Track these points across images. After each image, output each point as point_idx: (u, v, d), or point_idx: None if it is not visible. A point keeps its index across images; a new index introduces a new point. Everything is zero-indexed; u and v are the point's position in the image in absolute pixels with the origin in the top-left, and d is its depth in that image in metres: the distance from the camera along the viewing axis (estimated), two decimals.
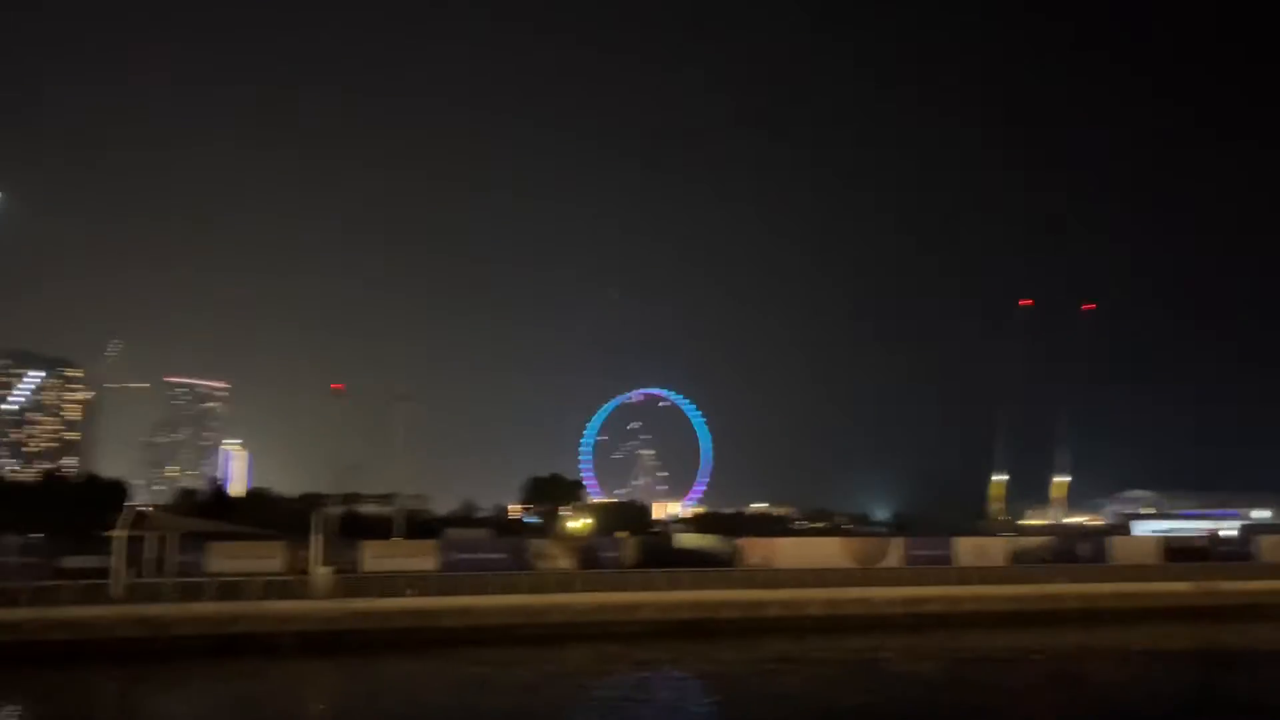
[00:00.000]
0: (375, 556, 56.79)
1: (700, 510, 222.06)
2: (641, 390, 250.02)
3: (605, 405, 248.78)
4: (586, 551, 61.37)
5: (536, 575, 53.21)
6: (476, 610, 47.05)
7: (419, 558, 56.28)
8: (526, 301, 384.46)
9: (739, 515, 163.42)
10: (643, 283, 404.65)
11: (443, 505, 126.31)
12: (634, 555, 66.82)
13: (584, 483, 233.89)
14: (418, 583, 49.72)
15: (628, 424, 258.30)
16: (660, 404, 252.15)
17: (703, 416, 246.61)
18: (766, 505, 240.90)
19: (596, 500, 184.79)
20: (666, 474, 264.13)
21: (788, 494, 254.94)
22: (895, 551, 66.48)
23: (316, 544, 53.95)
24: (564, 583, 51.53)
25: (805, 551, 66.35)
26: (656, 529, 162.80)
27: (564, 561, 58.83)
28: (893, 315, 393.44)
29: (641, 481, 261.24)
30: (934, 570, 60.39)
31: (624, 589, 51.37)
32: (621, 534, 70.38)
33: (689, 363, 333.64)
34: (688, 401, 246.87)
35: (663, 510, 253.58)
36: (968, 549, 68.28)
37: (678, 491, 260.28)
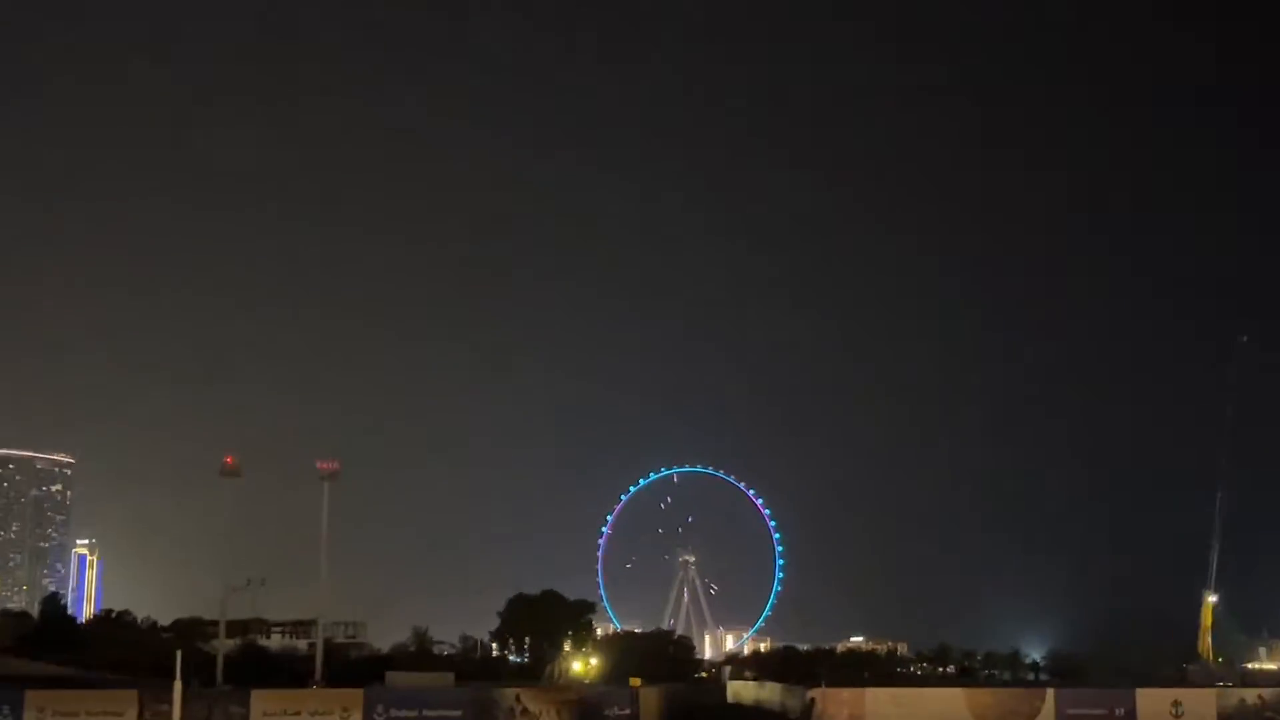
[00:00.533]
0: (271, 715, 54.76)
1: (767, 645, 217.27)
2: (683, 469, 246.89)
3: (630, 488, 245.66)
4: (585, 709, 59.22)
5: None
6: None
7: (334, 716, 54.15)
8: (514, 325, 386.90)
9: (823, 654, 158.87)
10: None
11: (386, 636, 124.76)
12: (656, 713, 64.49)
13: (601, 603, 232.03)
14: None
15: (665, 519, 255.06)
16: (709, 487, 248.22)
17: (770, 513, 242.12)
18: (863, 640, 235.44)
19: (617, 630, 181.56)
20: (718, 592, 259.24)
21: (896, 624, 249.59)
22: (1047, 709, 64.99)
23: (179, 696, 52.06)
24: None
25: (911, 708, 64.64)
26: (703, 672, 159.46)
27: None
28: (1044, 357, 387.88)
29: (684, 602, 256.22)
30: None
31: None
32: (635, 681, 67.87)
33: (752, 435, 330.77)
34: (751, 490, 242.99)
35: (714, 645, 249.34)
36: (1157, 706, 66.50)
37: (735, 618, 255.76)
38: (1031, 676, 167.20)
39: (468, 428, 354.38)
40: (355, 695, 59.60)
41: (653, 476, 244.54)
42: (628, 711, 61.69)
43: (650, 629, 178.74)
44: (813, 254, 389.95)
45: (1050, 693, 68.58)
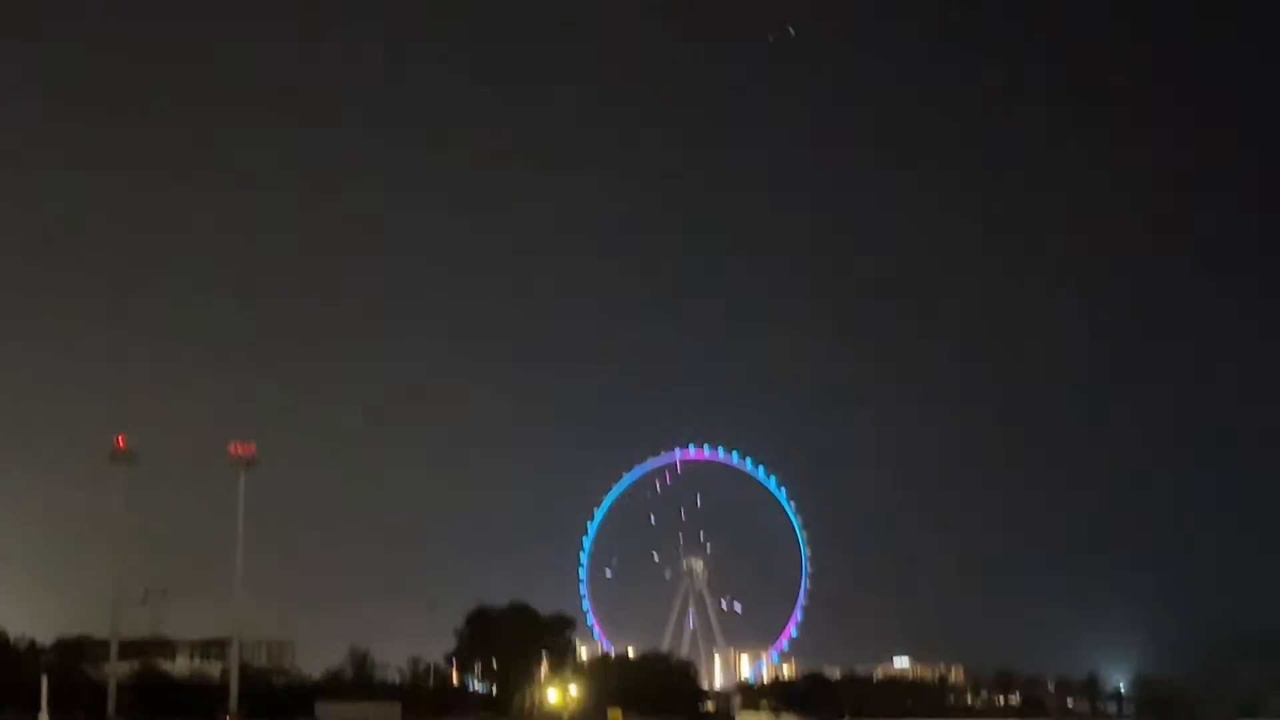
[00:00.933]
0: None
1: (791, 670, 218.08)
2: (687, 452, 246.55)
3: (623, 478, 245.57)
4: None
5: None
6: None
7: None
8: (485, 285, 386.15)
9: (858, 681, 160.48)
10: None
11: (320, 659, 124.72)
12: None
13: (585, 620, 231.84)
14: None
15: (665, 517, 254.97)
16: (721, 477, 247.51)
17: (795, 508, 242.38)
18: (908, 662, 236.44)
19: (606, 653, 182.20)
20: (732, 606, 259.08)
21: (949, 643, 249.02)
22: None
23: None
24: None
25: None
26: (709, 703, 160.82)
27: None
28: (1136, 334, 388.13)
29: (689, 618, 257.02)
30: None
31: None
32: (616, 715, 68.79)
33: (773, 415, 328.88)
34: (772, 479, 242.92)
35: (727, 670, 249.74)
36: None
37: (753, 638, 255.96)
38: (1114, 709, 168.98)
39: (422, 408, 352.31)
40: None
41: (649, 465, 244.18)
42: None
43: (648, 651, 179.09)
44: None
45: None
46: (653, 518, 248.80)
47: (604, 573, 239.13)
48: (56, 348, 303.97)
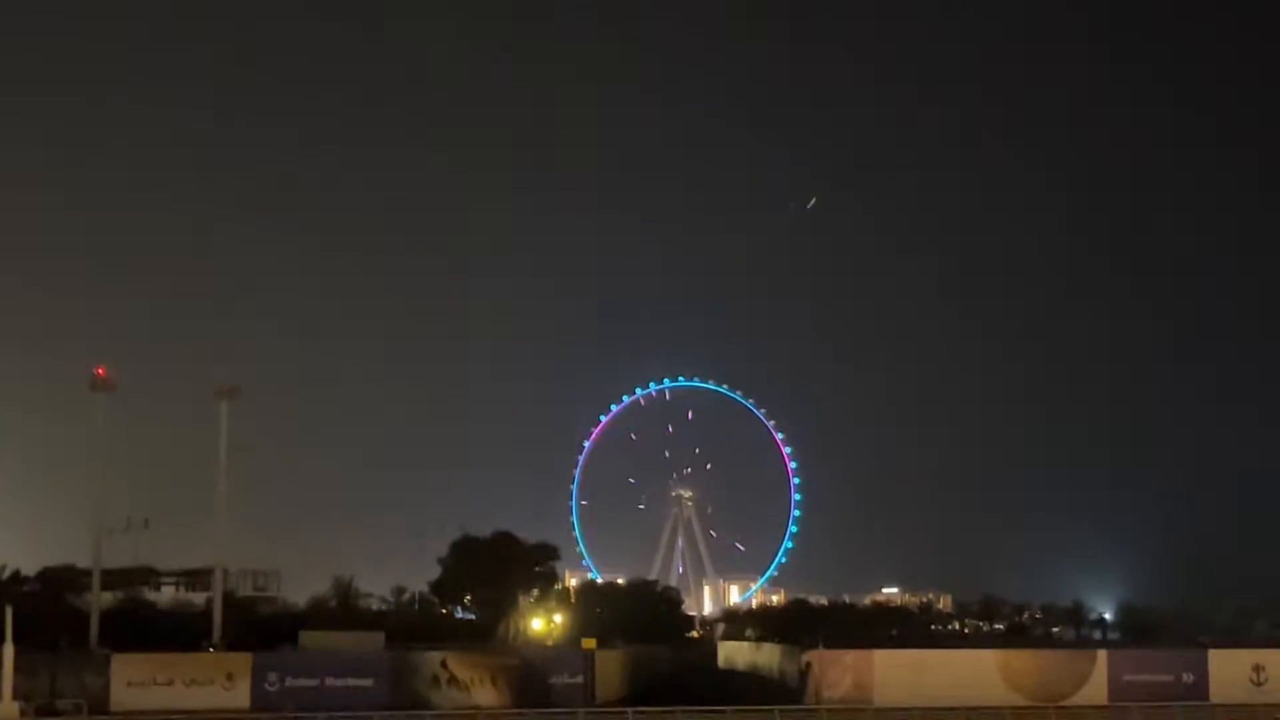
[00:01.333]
0: (136, 684, 55.95)
1: (781, 599, 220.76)
2: (677, 383, 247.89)
3: (613, 409, 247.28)
4: (527, 677, 60.43)
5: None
6: None
7: (216, 685, 55.36)
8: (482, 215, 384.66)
9: (842, 608, 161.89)
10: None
11: (308, 588, 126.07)
12: (618, 681, 65.73)
13: (577, 548, 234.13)
14: None
15: (656, 446, 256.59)
16: (711, 406, 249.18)
17: (784, 438, 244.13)
18: (897, 592, 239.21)
19: (591, 580, 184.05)
20: (721, 536, 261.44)
21: (940, 574, 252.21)
22: (1097, 676, 66.38)
23: (10, 663, 53.14)
24: None
25: (932, 675, 65.90)
26: (695, 631, 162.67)
27: (483, 694, 57.88)
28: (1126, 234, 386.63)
29: (679, 548, 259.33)
30: (1161, 712, 58.62)
31: None
32: (590, 643, 69.54)
33: (765, 350, 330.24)
34: (761, 411, 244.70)
35: (717, 599, 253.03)
36: (1233, 671, 67.54)
37: (743, 567, 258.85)
38: (1098, 635, 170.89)
39: (417, 333, 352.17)
40: (242, 660, 61.09)
41: (639, 393, 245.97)
42: (579, 679, 62.94)
43: (636, 580, 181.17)
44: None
45: (1102, 655, 69.88)
46: (642, 448, 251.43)
47: (585, 502, 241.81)
48: (33, 274, 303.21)
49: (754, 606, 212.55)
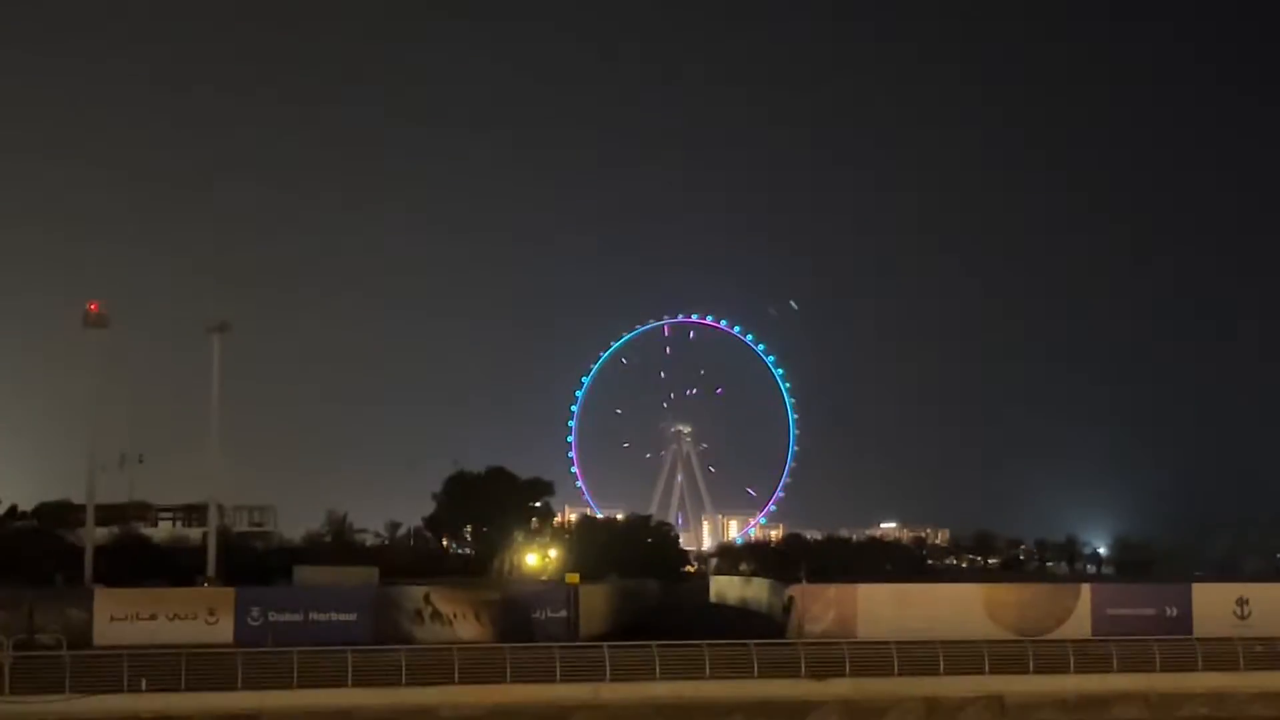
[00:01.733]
0: (119, 618, 56.38)
1: (779, 534, 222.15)
2: (678, 318, 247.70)
3: (612, 345, 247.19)
4: (509, 611, 60.83)
5: (404, 654, 51.90)
6: (280, 711, 46.26)
7: (200, 619, 55.75)
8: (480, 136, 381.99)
9: (837, 543, 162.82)
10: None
11: (299, 523, 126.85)
12: (603, 615, 66.14)
13: (577, 484, 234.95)
14: (166, 665, 48.53)
15: (654, 381, 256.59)
16: (703, 336, 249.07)
17: (783, 374, 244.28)
18: (895, 525, 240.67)
19: (585, 515, 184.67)
20: (719, 471, 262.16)
21: (940, 510, 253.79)
22: (1081, 609, 66.54)
23: None
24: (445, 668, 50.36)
25: (916, 609, 66.11)
26: (690, 565, 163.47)
27: (466, 628, 58.34)
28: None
29: (678, 484, 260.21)
30: (1142, 645, 58.67)
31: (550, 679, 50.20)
32: (573, 578, 70.00)
33: (762, 286, 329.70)
34: (761, 346, 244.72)
35: (715, 535, 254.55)
36: (1217, 606, 67.68)
37: (743, 502, 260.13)
38: (1092, 569, 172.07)
39: (414, 269, 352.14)
40: (225, 595, 61.35)
41: (638, 330, 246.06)
42: (562, 614, 63.33)
43: (633, 516, 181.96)
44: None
45: (1085, 589, 70.11)
46: (641, 383, 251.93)
47: (588, 437, 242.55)
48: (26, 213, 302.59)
49: (752, 541, 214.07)
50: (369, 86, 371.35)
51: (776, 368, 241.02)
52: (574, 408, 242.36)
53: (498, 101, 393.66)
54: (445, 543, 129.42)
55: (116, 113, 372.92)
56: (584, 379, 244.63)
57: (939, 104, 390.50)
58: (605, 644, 52.84)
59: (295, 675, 48.41)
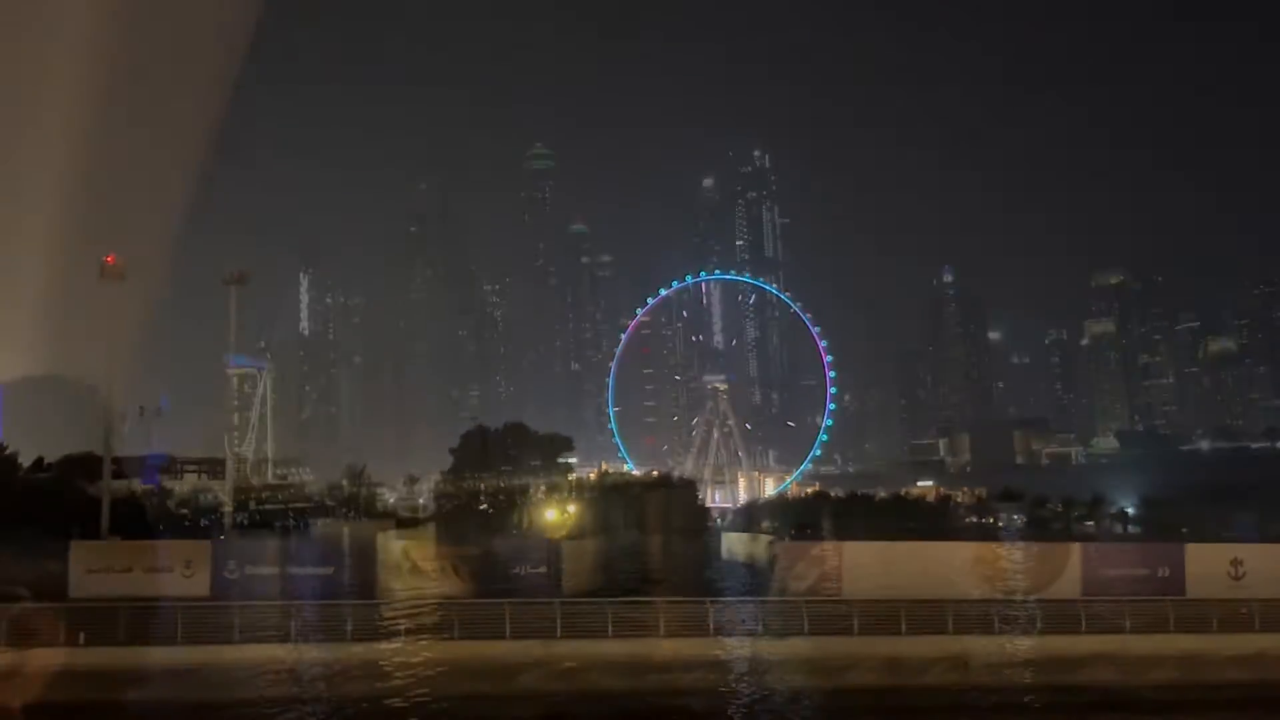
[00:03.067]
0: (95, 570, 56.51)
1: (812, 489, 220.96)
2: (713, 276, 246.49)
3: (648, 299, 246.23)
4: (489, 566, 60.13)
5: (350, 609, 51.99)
6: (217, 667, 46.20)
7: (176, 572, 55.73)
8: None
9: (859, 500, 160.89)
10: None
11: (324, 476, 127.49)
12: (587, 573, 65.31)
13: (614, 439, 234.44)
14: (138, 616, 48.93)
15: (690, 340, 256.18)
16: (742, 300, 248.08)
17: (820, 331, 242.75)
18: (933, 484, 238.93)
19: (606, 469, 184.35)
20: (756, 429, 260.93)
21: (975, 471, 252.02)
22: (1070, 570, 64.79)
23: None
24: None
25: (903, 567, 64.43)
26: (711, 522, 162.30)
27: (445, 582, 57.81)
28: None
29: (715, 439, 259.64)
30: (1131, 605, 57.89)
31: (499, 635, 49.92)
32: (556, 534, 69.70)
33: (803, 248, 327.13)
34: (797, 305, 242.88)
35: (751, 491, 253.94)
36: (1210, 566, 66.03)
37: (782, 458, 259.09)
38: (1119, 529, 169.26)
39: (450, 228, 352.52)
40: (202, 548, 61.33)
41: (675, 285, 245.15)
42: (542, 570, 62.91)
43: (665, 473, 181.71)
44: None
45: (1076, 549, 68.77)
46: (677, 343, 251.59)
47: (625, 397, 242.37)
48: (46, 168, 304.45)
49: (789, 496, 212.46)
50: None
51: (814, 325, 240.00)
52: (612, 364, 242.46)
53: None
54: (470, 499, 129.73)
55: None
56: (621, 335, 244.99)
57: None
58: (557, 599, 52.64)
59: (237, 631, 48.46)
